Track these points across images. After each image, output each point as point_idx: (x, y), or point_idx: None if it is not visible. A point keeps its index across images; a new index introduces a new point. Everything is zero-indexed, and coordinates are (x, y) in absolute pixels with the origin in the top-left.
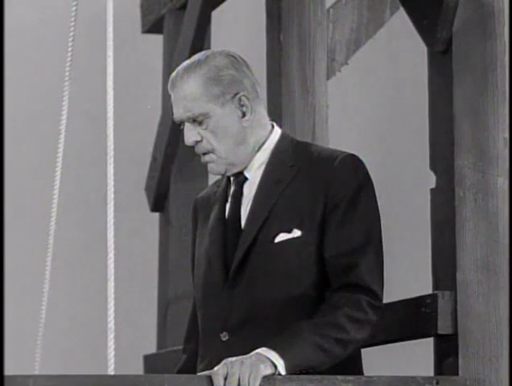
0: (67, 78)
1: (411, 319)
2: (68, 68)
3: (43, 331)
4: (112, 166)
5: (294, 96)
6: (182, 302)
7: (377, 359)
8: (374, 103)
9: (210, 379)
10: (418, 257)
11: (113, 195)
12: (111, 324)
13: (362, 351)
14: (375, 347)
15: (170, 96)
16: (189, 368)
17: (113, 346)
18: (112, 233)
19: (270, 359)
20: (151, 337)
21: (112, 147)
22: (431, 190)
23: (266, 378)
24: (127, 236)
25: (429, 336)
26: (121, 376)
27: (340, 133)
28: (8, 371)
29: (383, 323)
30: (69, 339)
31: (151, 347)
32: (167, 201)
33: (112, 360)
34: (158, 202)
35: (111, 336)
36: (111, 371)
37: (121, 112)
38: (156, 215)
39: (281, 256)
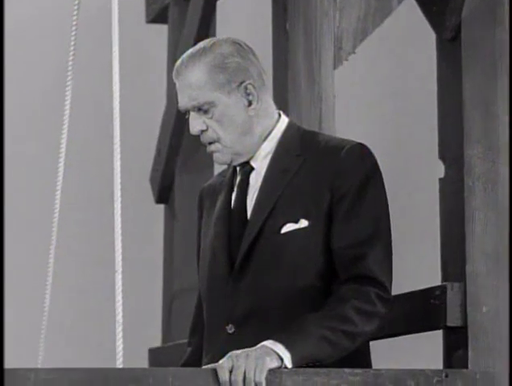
0: (70, 68)
1: (420, 311)
2: (71, 59)
3: (47, 325)
4: (119, 156)
5: (300, 86)
6: (187, 295)
7: (386, 352)
8: (382, 92)
9: (215, 372)
10: (427, 248)
11: (119, 186)
12: (119, 317)
13: (370, 343)
14: (383, 340)
15: (174, 86)
16: (194, 362)
17: (121, 340)
18: (119, 225)
19: (276, 352)
20: (156, 330)
21: (118, 138)
22: (440, 179)
23: (272, 371)
24: (132, 228)
25: (438, 328)
26: (124, 370)
27: (347, 123)
28: (11, 364)
29: (392, 315)
30: (73, 333)
31: (156, 341)
32: (172, 193)
33: (120, 353)
34: (163, 194)
35: (119, 329)
36: (119, 365)
37: (125, 102)
38: (161, 207)
39: (287, 247)
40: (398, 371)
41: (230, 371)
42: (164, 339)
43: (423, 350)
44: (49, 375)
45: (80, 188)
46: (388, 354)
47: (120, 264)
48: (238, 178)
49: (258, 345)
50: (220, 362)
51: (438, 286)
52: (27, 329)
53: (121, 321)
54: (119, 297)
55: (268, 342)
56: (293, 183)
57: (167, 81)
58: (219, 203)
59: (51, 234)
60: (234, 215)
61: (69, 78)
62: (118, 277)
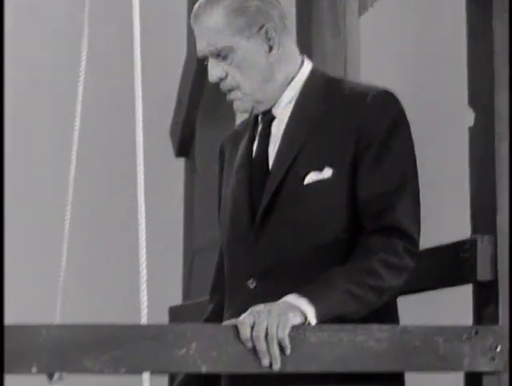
0: (86, 17)
1: (449, 265)
2: (87, 6)
3: (64, 281)
4: (140, 109)
5: (324, 33)
6: (208, 253)
7: (414, 308)
8: (409, 39)
9: (236, 328)
10: (456, 200)
11: (142, 139)
12: (143, 273)
13: (398, 299)
14: (411, 295)
15: (194, 36)
16: (216, 318)
17: (145, 297)
18: (142, 178)
19: (299, 308)
20: (177, 289)
21: (140, 90)
22: (470, 128)
23: (295, 328)
24: (153, 183)
25: (468, 283)
26: (142, 326)
27: (372, 72)
28: (29, 320)
29: (420, 270)
30: (92, 290)
31: (177, 299)
32: (193, 146)
33: (145, 311)
34: (184, 147)
35: (143, 286)
36: (144, 323)
37: (146, 54)
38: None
39: (310, 198)
40: (427, 328)
41: (252, 328)
42: (185, 297)
43: (453, 305)
44: (62, 332)
45: (101, 141)
46: (416, 309)
47: (143, 216)
48: (260, 127)
49: (281, 300)
50: (241, 318)
51: (468, 239)
52: (44, 285)
53: (145, 277)
54: (143, 252)
55: (291, 297)
56: (316, 131)
57: (187, 32)
58: (240, 154)
59: (68, 188)
60: (255, 166)
61: (86, 29)
62: (142, 231)
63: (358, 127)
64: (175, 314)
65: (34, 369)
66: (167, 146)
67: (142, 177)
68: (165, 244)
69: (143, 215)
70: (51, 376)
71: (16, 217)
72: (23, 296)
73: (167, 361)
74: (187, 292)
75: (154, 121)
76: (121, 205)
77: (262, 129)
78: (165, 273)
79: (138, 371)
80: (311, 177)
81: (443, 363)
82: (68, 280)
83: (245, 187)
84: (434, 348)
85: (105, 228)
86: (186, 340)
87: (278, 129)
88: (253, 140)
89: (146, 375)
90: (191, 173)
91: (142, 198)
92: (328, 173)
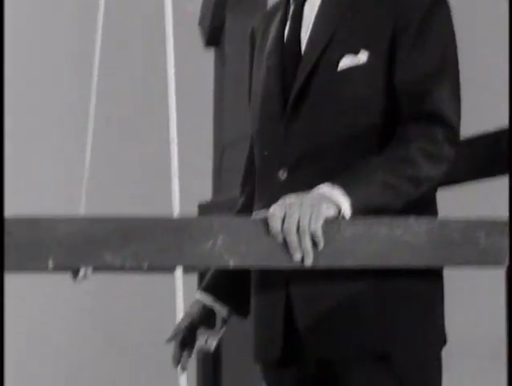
0: None
1: (490, 155)
2: None
3: (92, 173)
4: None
5: None
6: (238, 146)
7: (454, 200)
8: None
9: (266, 221)
10: (496, 86)
11: (171, 28)
12: (174, 167)
13: (437, 192)
14: (451, 186)
15: None
16: (247, 211)
17: (177, 192)
18: (172, 68)
19: (333, 199)
20: (207, 185)
21: None
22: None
23: (328, 221)
24: (182, 74)
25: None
26: (165, 219)
27: None
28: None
29: (460, 159)
30: (122, 183)
31: (207, 195)
32: (223, 35)
33: (177, 207)
34: (213, 36)
35: (175, 181)
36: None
37: None
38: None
39: (345, 84)
40: (467, 222)
41: (283, 220)
42: (215, 193)
43: (495, 198)
44: (81, 225)
45: (130, 31)
46: (456, 201)
47: (174, 109)
48: (291, 8)
49: (314, 190)
50: (271, 209)
51: (507, 128)
52: (70, 178)
53: (176, 172)
54: (174, 146)
55: (325, 188)
56: (351, 12)
57: None
58: (271, 36)
59: (93, 78)
60: (287, 50)
61: None
62: (173, 125)
63: (395, 7)
64: (205, 210)
65: (50, 264)
66: (196, 35)
67: (173, 69)
68: (195, 137)
69: (174, 108)
70: (75, 275)
71: (47, 104)
72: (49, 188)
73: (192, 255)
74: (217, 187)
75: (184, 11)
76: (152, 97)
77: (294, 10)
78: (194, 168)
79: (162, 266)
80: (346, 62)
81: (483, 258)
82: (96, 174)
83: (277, 74)
84: (474, 242)
85: (135, 122)
86: (212, 233)
87: (310, 11)
88: (285, 23)
89: (178, 272)
90: (221, 63)
91: (173, 90)
92: (363, 57)
